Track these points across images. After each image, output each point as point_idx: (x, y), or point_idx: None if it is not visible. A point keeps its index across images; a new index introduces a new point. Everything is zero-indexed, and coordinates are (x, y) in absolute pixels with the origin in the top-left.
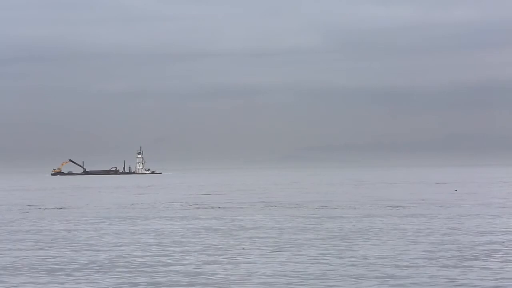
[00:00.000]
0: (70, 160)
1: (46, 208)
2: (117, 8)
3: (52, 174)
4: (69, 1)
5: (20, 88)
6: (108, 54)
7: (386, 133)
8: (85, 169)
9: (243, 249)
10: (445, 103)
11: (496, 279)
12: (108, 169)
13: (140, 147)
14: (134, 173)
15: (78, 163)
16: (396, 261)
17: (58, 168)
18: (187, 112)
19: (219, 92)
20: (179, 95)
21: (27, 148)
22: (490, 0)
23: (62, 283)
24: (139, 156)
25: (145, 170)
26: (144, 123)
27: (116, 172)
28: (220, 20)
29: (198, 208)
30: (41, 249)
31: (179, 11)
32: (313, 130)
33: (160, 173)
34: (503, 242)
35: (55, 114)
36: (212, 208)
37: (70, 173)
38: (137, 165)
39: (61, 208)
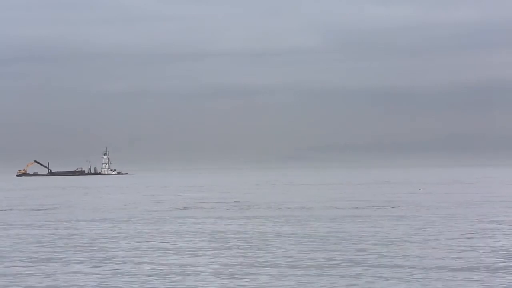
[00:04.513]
0: (36, 161)
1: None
2: (117, 8)
3: (17, 175)
4: (69, 1)
5: (20, 88)
6: (108, 54)
7: (386, 133)
8: (50, 170)
9: (238, 248)
10: (445, 103)
11: None
12: (74, 169)
13: (106, 148)
14: (100, 173)
15: (44, 164)
16: None
17: (24, 169)
18: (187, 112)
19: (219, 92)
20: (179, 95)
21: (27, 148)
22: (491, 0)
23: None
24: (105, 156)
25: (110, 170)
26: (143, 123)
27: (81, 173)
28: (220, 20)
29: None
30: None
31: (179, 11)
32: (313, 130)
33: (126, 173)
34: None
35: (55, 114)
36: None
37: (35, 174)
38: (103, 165)
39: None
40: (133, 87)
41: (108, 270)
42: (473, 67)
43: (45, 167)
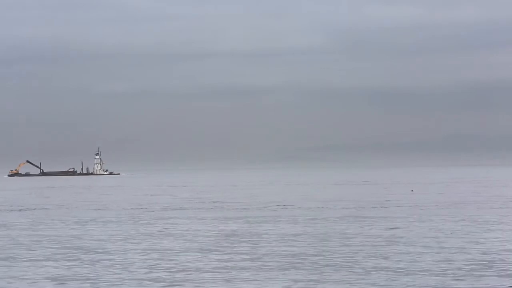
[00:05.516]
0: (28, 161)
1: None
2: (118, 8)
3: (9, 175)
4: (69, 1)
5: (20, 88)
6: (109, 54)
7: (386, 133)
8: (42, 170)
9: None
10: (445, 103)
11: None
12: (66, 170)
13: (98, 148)
14: (92, 174)
15: (36, 164)
16: None
17: (16, 169)
18: (187, 112)
19: (219, 92)
20: (179, 95)
21: (20, 148)
22: (491, 0)
23: None
24: (97, 157)
25: (103, 171)
26: (142, 123)
27: (74, 173)
28: (221, 20)
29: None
30: None
31: (181, 11)
32: (313, 130)
33: (118, 174)
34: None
35: (53, 115)
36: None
37: (27, 174)
38: (95, 166)
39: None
40: (133, 87)
41: (101, 272)
42: (474, 67)
43: (37, 167)
